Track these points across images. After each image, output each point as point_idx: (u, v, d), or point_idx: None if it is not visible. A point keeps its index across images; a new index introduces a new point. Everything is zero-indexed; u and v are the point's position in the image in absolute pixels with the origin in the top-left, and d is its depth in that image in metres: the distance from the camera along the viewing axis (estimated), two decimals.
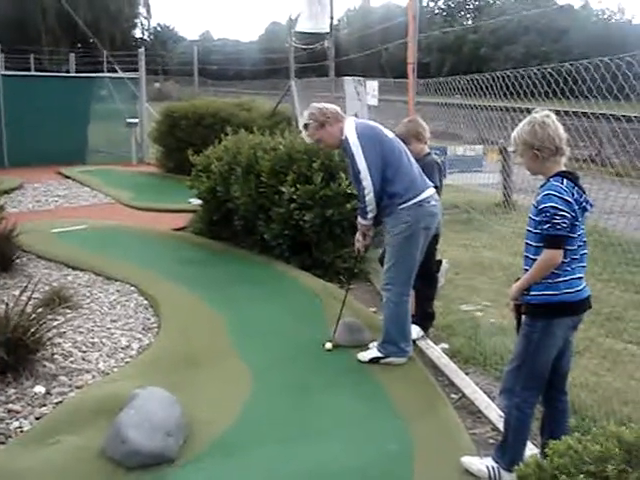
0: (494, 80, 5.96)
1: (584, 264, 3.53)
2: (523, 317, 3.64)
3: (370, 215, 5.10)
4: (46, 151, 15.39)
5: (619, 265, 7.31)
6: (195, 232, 9.19)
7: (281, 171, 7.42)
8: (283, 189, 7.24)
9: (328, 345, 5.40)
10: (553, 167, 3.47)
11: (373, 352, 5.21)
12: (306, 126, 5.34)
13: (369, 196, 4.98)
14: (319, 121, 5.21)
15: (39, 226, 9.14)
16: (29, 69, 17.65)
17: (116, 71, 17.57)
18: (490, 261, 8.05)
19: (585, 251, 3.52)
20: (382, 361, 5.14)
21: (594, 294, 5.63)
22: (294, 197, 7.14)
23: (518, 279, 3.61)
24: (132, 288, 6.97)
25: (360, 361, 5.18)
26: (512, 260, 7.20)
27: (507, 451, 3.71)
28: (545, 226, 3.38)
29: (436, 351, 5.43)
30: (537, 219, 3.44)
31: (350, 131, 5.08)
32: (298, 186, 7.13)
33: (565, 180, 3.41)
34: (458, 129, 10.23)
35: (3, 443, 4.09)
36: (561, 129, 3.48)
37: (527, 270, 3.53)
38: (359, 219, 5.25)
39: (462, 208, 9.96)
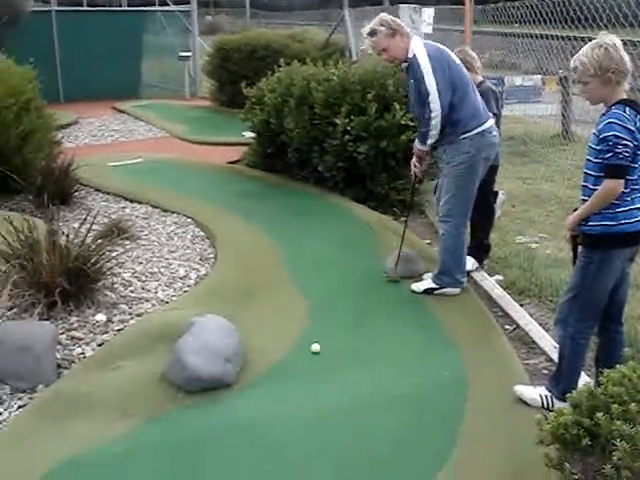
0: (555, 6, 5.77)
1: None
2: (580, 248, 3.59)
3: (431, 141, 4.97)
4: (100, 86, 15.47)
5: None
6: (249, 165, 9.22)
7: (335, 102, 7.36)
8: (337, 121, 7.20)
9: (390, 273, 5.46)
10: (619, 93, 3.36)
11: (428, 283, 5.22)
12: (373, 33, 5.03)
13: (435, 120, 4.84)
14: (392, 29, 4.97)
15: (96, 160, 9.25)
16: (81, 4, 17.52)
17: (168, 4, 17.44)
18: (547, 194, 7.92)
19: None
20: (436, 292, 5.15)
21: None
22: (348, 129, 7.10)
23: (575, 210, 3.55)
24: (189, 220, 7.07)
25: (414, 292, 5.20)
26: (570, 193, 7.07)
27: (561, 381, 3.71)
28: (607, 155, 3.30)
29: (491, 283, 5.42)
30: (598, 148, 3.36)
31: (420, 51, 4.90)
32: (352, 117, 7.09)
33: (627, 108, 3.31)
34: (516, 58, 9.97)
35: (67, 368, 4.24)
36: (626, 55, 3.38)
37: (585, 200, 3.47)
38: (417, 144, 5.14)
39: (520, 140, 9.77)
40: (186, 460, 3.36)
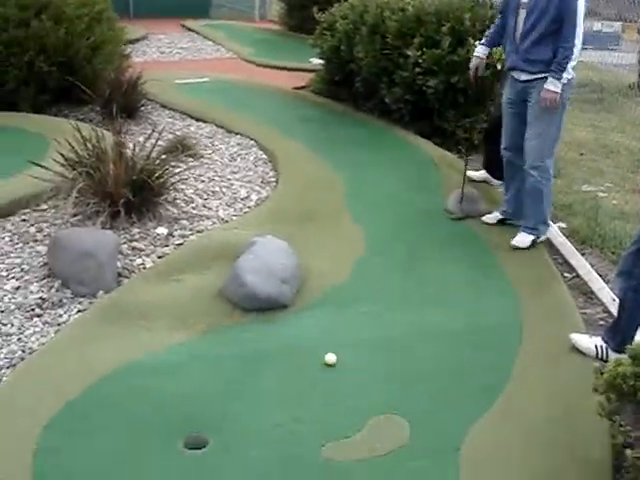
0: None
1: None
2: None
3: (568, 76, 4.64)
4: (170, 3, 15.39)
5: None
6: (315, 92, 9.12)
7: (408, 33, 7.18)
8: (408, 52, 7.03)
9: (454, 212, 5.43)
10: None
11: (528, 237, 4.97)
12: None
13: (576, 56, 4.62)
14: None
15: (163, 76, 9.26)
16: None
17: None
18: (617, 145, 7.71)
19: None
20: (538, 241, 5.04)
21: None
22: (419, 61, 6.93)
23: None
24: (252, 142, 7.07)
25: (518, 247, 4.93)
26: None
27: (618, 333, 3.66)
28: None
29: (553, 229, 5.32)
30: None
31: None
32: (424, 50, 6.91)
33: None
34: (596, 5, 9.63)
35: (127, 277, 4.34)
36: None
37: None
38: (550, 85, 4.62)
39: (593, 87, 9.49)
40: (238, 374, 3.43)
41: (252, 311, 3.93)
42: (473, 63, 5.30)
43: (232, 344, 3.67)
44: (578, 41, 4.60)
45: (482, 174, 6.12)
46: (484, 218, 5.32)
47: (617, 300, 3.76)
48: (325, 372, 3.48)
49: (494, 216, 5.31)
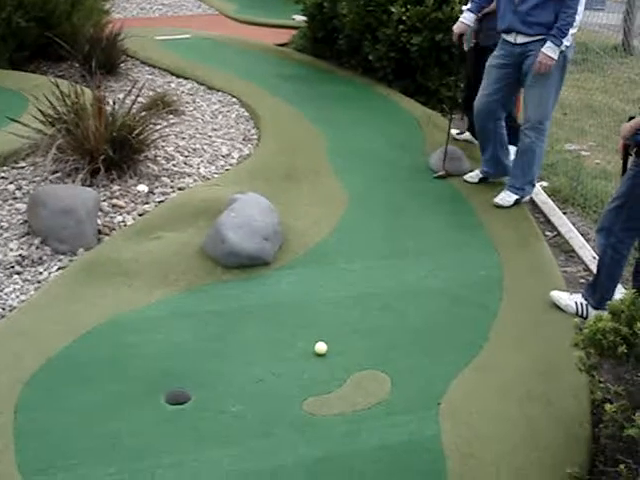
0: None
1: None
2: (631, 158, 3.49)
3: (567, 43, 4.58)
4: None
5: None
6: (298, 49, 9.02)
7: None
8: (392, 9, 6.94)
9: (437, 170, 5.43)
10: None
11: (512, 196, 4.96)
12: None
13: (577, 23, 4.56)
14: None
15: (143, 33, 9.09)
16: None
17: None
18: (601, 105, 7.67)
19: None
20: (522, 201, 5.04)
21: None
22: (403, 18, 6.85)
23: (632, 118, 3.43)
24: (234, 99, 7.00)
25: (501, 206, 4.92)
26: (624, 106, 6.86)
27: (598, 289, 3.69)
28: None
29: (535, 188, 5.32)
30: None
31: None
32: (408, 7, 6.82)
33: None
34: None
35: (107, 235, 4.31)
36: None
37: None
38: (546, 50, 4.53)
39: (577, 48, 9.42)
40: (220, 331, 3.43)
41: (233, 268, 3.92)
42: (458, 29, 5.14)
43: (213, 301, 3.66)
44: (581, 7, 4.54)
45: (466, 136, 6.09)
46: (466, 177, 5.31)
47: (597, 257, 3.78)
48: (305, 328, 3.48)
49: (475, 174, 5.29)
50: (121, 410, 2.90)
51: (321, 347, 3.34)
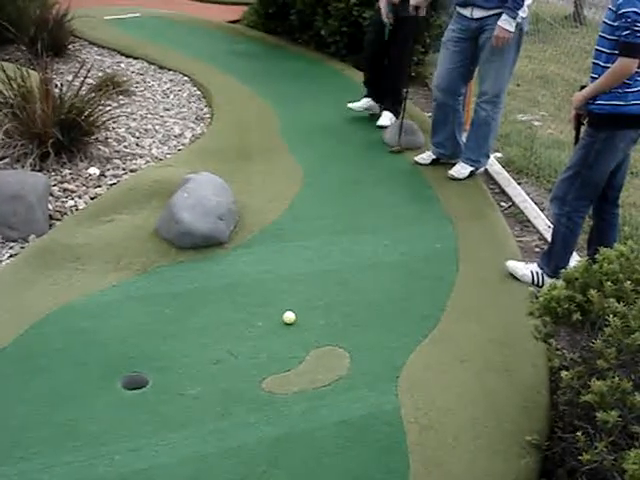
0: None
1: None
2: (584, 127, 3.52)
3: (523, 15, 4.56)
4: None
5: None
6: (249, 25, 8.92)
7: None
8: None
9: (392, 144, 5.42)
10: None
11: (467, 168, 4.98)
12: None
13: None
14: None
15: (91, 12, 8.90)
16: None
17: None
18: (553, 75, 7.74)
19: None
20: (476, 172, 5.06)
21: None
22: None
23: (583, 87, 3.45)
24: (185, 78, 6.91)
25: (456, 178, 4.94)
26: (576, 76, 6.91)
27: (553, 258, 3.72)
28: (624, 32, 3.16)
29: (489, 159, 5.35)
30: (615, 24, 3.22)
31: None
32: None
33: None
34: None
35: (59, 220, 4.23)
36: None
37: (595, 79, 3.36)
38: (503, 23, 4.50)
39: (529, 18, 9.46)
40: (175, 313, 3.39)
41: (188, 249, 3.87)
42: (416, 1, 5.14)
43: (168, 283, 3.61)
44: None
45: (365, 103, 6.05)
46: (417, 158, 5.22)
47: (551, 226, 3.81)
48: (263, 307, 3.46)
49: (427, 156, 5.23)
50: (78, 397, 2.85)
51: (290, 316, 3.37)
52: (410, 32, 5.53)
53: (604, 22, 3.32)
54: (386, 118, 5.83)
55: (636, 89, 3.30)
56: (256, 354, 3.12)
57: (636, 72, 3.26)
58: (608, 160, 3.46)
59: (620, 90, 3.29)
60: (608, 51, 3.29)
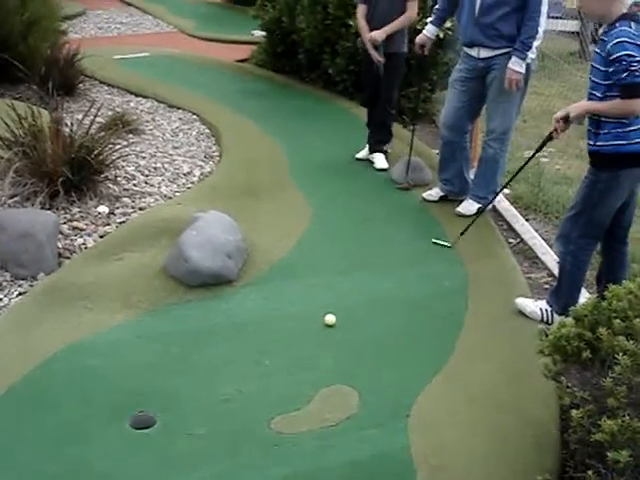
0: None
1: None
2: (588, 167, 3.51)
3: (533, 56, 4.65)
4: None
5: None
6: (258, 64, 9.03)
7: (349, 3, 7.10)
8: (350, 22, 6.97)
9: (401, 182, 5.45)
10: (619, 8, 3.21)
11: (474, 204, 5.00)
12: None
13: (540, 36, 4.61)
14: None
15: (102, 52, 9.06)
16: None
17: None
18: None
19: None
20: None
21: None
22: None
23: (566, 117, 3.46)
24: (194, 117, 6.98)
25: (463, 215, 4.96)
26: None
27: (561, 296, 3.71)
28: (622, 75, 3.16)
29: (498, 196, 5.36)
30: (610, 70, 3.22)
31: None
32: None
33: (632, 23, 3.18)
34: None
35: (68, 258, 4.24)
36: None
37: (589, 129, 3.39)
38: (514, 65, 4.56)
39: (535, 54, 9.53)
40: (184, 351, 3.38)
41: (197, 287, 3.87)
42: (420, 40, 5.16)
43: (177, 321, 3.61)
44: (543, 19, 4.56)
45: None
46: (425, 195, 5.24)
47: (558, 264, 3.80)
48: (271, 345, 3.45)
49: (435, 192, 5.24)
50: (86, 435, 2.84)
51: (331, 318, 3.59)
52: (398, 68, 5.69)
53: (593, 67, 3.34)
54: (381, 160, 5.86)
55: (637, 126, 3.30)
56: (264, 393, 3.11)
57: None
58: (612, 199, 3.45)
59: (621, 130, 3.30)
60: (601, 95, 3.31)
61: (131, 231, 4.46)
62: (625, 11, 3.24)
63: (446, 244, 4.46)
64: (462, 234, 4.49)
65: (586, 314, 2.77)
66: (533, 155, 3.83)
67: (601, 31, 3.32)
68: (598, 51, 3.29)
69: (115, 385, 3.13)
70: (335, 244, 4.52)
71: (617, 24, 3.21)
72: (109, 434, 2.85)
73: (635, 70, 3.14)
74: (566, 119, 3.49)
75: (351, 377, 3.23)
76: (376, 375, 3.27)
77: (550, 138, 3.68)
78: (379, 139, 5.92)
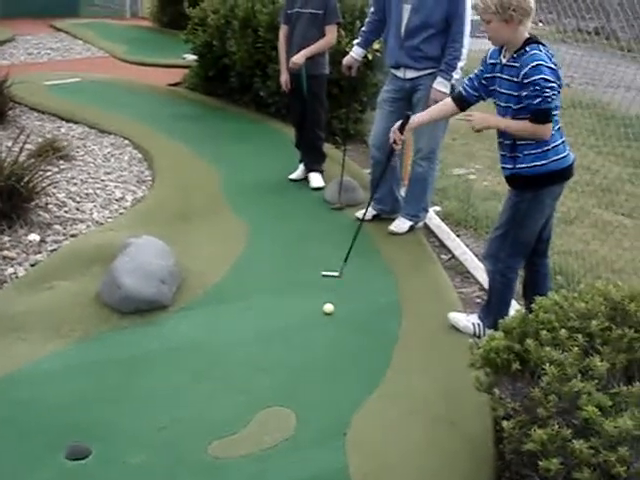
0: None
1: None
2: (510, 189, 3.58)
3: (458, 76, 4.69)
4: (38, 3, 14.81)
5: (620, 140, 7.21)
6: (190, 88, 9.00)
7: (279, 26, 7.17)
8: None
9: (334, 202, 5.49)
10: (523, 33, 3.28)
11: (406, 222, 5.07)
12: None
13: (464, 54, 4.68)
14: None
15: (32, 78, 8.89)
16: None
17: None
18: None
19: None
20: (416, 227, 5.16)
21: (593, 167, 5.61)
22: None
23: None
24: (126, 141, 6.92)
25: (396, 233, 5.03)
26: None
27: (491, 312, 3.77)
28: (535, 101, 3.22)
29: (429, 213, 5.45)
30: (524, 93, 3.26)
31: None
32: None
33: (541, 46, 3.26)
34: None
35: None
36: None
37: (505, 147, 3.47)
38: (438, 85, 4.66)
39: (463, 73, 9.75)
40: (118, 379, 3.34)
41: (131, 314, 3.83)
42: (347, 61, 5.24)
43: (111, 349, 3.57)
44: (466, 40, 4.67)
45: (303, 171, 6.15)
46: (358, 214, 5.22)
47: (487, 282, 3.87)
48: (207, 370, 3.44)
49: (368, 212, 5.28)
50: (21, 470, 2.77)
51: (329, 307, 3.88)
52: (321, 91, 5.81)
53: (503, 93, 3.39)
54: (316, 179, 5.93)
55: (554, 144, 3.37)
56: (200, 418, 3.09)
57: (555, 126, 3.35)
58: (537, 218, 3.53)
59: (539, 150, 3.36)
60: (513, 117, 3.38)
61: (63, 259, 4.40)
62: (528, 36, 3.30)
63: (335, 274, 4.43)
64: (345, 261, 4.49)
65: (514, 326, 2.84)
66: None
67: (508, 57, 3.36)
68: (508, 77, 3.33)
69: (49, 417, 3.07)
70: (270, 265, 4.54)
71: (527, 48, 3.26)
72: (44, 467, 2.79)
73: (548, 96, 3.20)
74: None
75: (287, 398, 3.24)
76: (312, 395, 3.28)
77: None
78: (312, 160, 5.98)
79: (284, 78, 5.77)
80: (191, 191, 5.64)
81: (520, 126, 3.34)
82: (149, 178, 6.03)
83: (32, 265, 4.41)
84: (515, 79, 3.30)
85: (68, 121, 7.53)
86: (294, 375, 3.43)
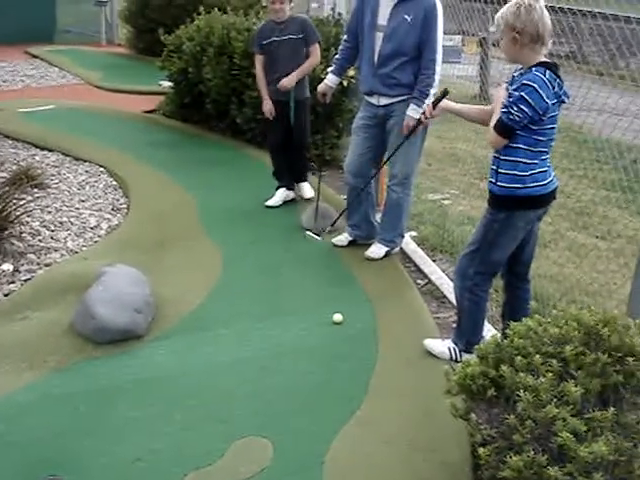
0: None
1: (549, 155, 3.47)
2: (487, 207, 3.61)
3: (429, 101, 4.55)
4: (13, 30, 14.74)
5: (593, 163, 7.30)
6: (166, 115, 8.99)
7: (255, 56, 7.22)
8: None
9: (310, 228, 5.48)
10: (532, 56, 3.30)
11: (382, 248, 5.09)
12: None
13: (436, 84, 4.70)
14: None
15: (5, 106, 8.88)
16: None
17: None
18: (463, 153, 8.00)
19: (552, 143, 3.44)
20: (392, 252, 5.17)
21: (566, 190, 5.65)
22: None
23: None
24: (101, 169, 6.89)
25: (372, 259, 5.04)
26: (485, 153, 7.15)
27: (463, 333, 3.79)
28: (504, 109, 3.27)
29: (404, 238, 5.47)
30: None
31: None
32: None
33: (547, 71, 3.26)
34: None
35: None
36: (547, 18, 3.28)
37: (492, 167, 3.50)
38: (411, 112, 4.69)
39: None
40: (92, 411, 3.31)
41: (105, 344, 3.80)
42: (322, 89, 5.26)
43: (85, 380, 3.53)
44: (438, 67, 4.71)
45: (280, 196, 6.20)
46: (334, 240, 5.29)
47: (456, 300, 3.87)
48: (183, 400, 3.40)
49: (345, 237, 5.31)
50: None
51: (338, 317, 4.05)
52: (306, 115, 5.98)
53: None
54: (308, 190, 6.19)
55: (534, 171, 3.37)
56: (176, 449, 3.06)
57: (539, 152, 3.38)
58: (508, 239, 3.53)
59: (518, 173, 3.37)
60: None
61: (36, 288, 4.36)
62: (544, 59, 3.32)
63: (318, 238, 4.91)
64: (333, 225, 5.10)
65: (489, 352, 2.85)
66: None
67: (517, 73, 3.42)
68: (510, 90, 3.37)
69: (22, 449, 3.03)
70: (246, 293, 4.52)
71: (533, 69, 3.28)
72: None
73: (512, 113, 3.23)
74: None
75: (264, 428, 3.22)
76: (289, 424, 3.26)
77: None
78: (301, 169, 6.17)
79: (267, 107, 5.81)
80: (167, 218, 5.62)
81: (475, 115, 3.66)
82: (124, 206, 6.00)
83: (5, 295, 4.37)
84: (510, 91, 3.34)
85: (43, 149, 7.49)
86: (271, 403, 3.41)
